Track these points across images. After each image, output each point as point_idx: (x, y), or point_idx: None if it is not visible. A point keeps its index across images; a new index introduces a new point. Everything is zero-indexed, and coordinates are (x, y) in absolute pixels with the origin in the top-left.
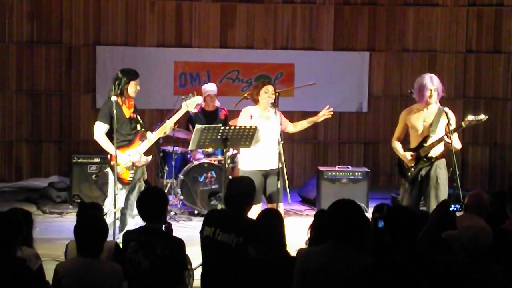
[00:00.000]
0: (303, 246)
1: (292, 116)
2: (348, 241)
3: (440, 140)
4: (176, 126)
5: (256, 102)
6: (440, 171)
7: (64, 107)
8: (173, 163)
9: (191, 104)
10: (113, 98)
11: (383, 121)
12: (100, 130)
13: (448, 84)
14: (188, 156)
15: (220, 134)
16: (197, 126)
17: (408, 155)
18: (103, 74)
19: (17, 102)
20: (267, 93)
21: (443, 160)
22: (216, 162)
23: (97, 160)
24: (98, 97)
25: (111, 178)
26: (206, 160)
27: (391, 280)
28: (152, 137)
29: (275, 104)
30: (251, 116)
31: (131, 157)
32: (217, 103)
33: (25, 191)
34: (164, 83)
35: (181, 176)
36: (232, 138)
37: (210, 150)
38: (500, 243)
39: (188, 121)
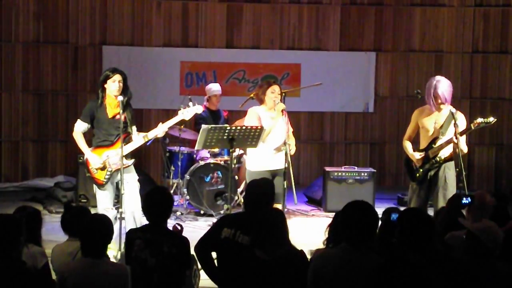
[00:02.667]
0: (321, 246)
1: (298, 116)
2: (362, 243)
3: (449, 141)
4: (182, 126)
5: (261, 102)
6: (449, 171)
7: (70, 107)
8: (179, 163)
9: (188, 114)
10: (120, 98)
11: (390, 121)
12: (77, 128)
13: (455, 84)
14: (195, 156)
15: (226, 134)
16: (203, 126)
17: (417, 155)
18: None
19: (23, 102)
20: (273, 93)
21: (452, 162)
22: (222, 162)
23: None
24: None
25: (94, 185)
26: (212, 160)
27: (402, 279)
28: (138, 140)
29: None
30: (259, 118)
31: (109, 159)
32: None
33: (31, 191)
34: (170, 83)
35: (187, 176)
36: (239, 138)
37: (216, 150)
38: (506, 244)
39: (196, 119)
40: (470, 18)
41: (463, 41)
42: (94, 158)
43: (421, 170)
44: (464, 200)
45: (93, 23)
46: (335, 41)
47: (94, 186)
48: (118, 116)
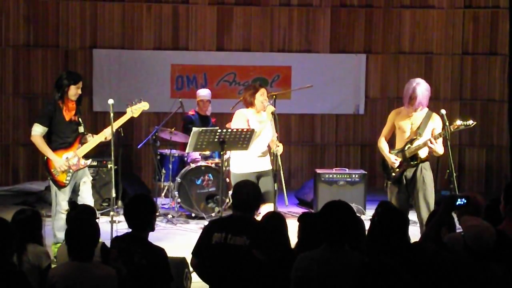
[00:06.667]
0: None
1: (289, 119)
2: (342, 242)
3: (425, 144)
4: (173, 129)
5: (249, 105)
6: (426, 172)
7: None
8: (170, 166)
9: (136, 111)
10: (110, 101)
11: (380, 123)
12: (37, 132)
13: (445, 86)
14: (186, 158)
15: (217, 136)
16: (194, 129)
17: (392, 158)
18: (100, 78)
19: (14, 106)
20: (262, 96)
21: (428, 162)
22: (213, 165)
23: (94, 163)
24: (95, 101)
25: (53, 186)
26: (203, 163)
27: (379, 281)
28: (92, 141)
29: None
30: (248, 120)
31: (69, 160)
32: (209, 110)
33: (22, 195)
34: (161, 86)
35: (178, 179)
36: (229, 140)
37: (207, 152)
38: (498, 244)
39: (185, 122)
40: (459, 19)
41: (453, 42)
42: (59, 161)
43: (397, 170)
44: (459, 201)
45: (84, 26)
46: (326, 44)
47: (54, 188)
48: (74, 118)
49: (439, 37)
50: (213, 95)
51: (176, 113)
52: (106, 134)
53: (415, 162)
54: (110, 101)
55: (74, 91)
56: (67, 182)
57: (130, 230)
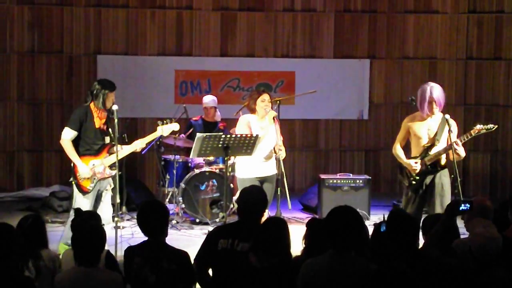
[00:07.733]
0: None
1: (293, 124)
2: (349, 248)
3: (447, 148)
4: (177, 135)
5: (253, 111)
6: (445, 179)
7: (65, 117)
8: (175, 171)
9: (166, 130)
10: (115, 107)
11: (384, 128)
12: (66, 136)
13: (449, 91)
14: (190, 164)
15: (221, 142)
16: (198, 135)
17: (413, 163)
18: None
19: (18, 112)
20: (263, 102)
21: (446, 169)
22: (217, 171)
23: None
24: None
25: (76, 190)
26: (207, 169)
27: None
28: (120, 152)
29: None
30: (250, 126)
31: (95, 167)
32: (217, 116)
33: (26, 201)
34: (165, 92)
35: (182, 185)
36: (233, 146)
37: (211, 158)
38: (503, 250)
39: (187, 127)
40: (463, 24)
41: (457, 47)
42: (84, 167)
43: (417, 178)
44: (463, 207)
45: (88, 32)
46: (329, 49)
47: (76, 191)
48: (103, 127)
49: (443, 42)
50: (217, 100)
51: (180, 119)
52: (137, 146)
53: (437, 169)
54: (115, 107)
55: (111, 99)
56: (90, 188)
57: (147, 238)
